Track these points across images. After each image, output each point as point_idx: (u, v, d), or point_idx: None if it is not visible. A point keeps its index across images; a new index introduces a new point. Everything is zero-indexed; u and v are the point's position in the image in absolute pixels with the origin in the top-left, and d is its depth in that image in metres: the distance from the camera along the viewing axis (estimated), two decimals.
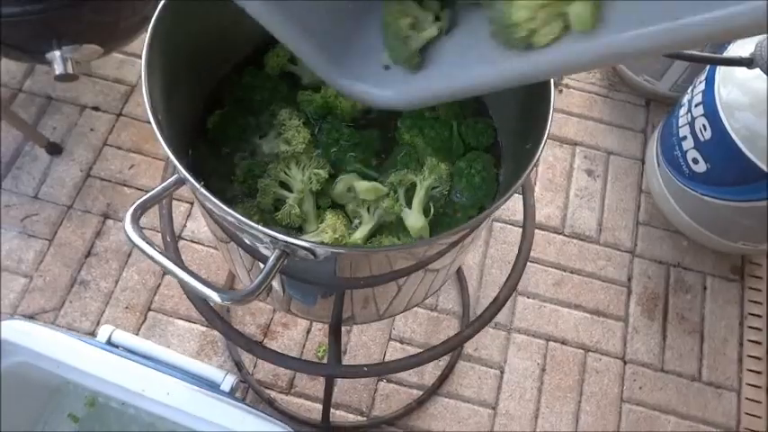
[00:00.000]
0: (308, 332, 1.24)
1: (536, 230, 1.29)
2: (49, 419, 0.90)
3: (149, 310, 1.24)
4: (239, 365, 1.20)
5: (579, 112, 1.51)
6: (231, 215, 0.51)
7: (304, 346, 1.23)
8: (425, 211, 0.66)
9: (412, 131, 0.70)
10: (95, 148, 1.37)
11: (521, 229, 0.83)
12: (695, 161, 1.18)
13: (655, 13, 0.37)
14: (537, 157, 0.56)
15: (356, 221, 0.66)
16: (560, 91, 1.53)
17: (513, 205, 1.36)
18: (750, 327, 1.31)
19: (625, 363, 1.26)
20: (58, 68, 1.01)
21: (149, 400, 0.76)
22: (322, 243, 0.61)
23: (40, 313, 1.22)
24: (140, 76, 0.62)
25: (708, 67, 1.17)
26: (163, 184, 0.55)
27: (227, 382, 0.81)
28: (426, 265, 0.64)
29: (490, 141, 0.72)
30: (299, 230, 0.65)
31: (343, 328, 0.81)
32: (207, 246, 1.30)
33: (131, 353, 0.82)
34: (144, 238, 0.51)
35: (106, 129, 1.40)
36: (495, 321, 1.27)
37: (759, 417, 1.23)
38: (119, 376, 0.77)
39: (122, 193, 1.34)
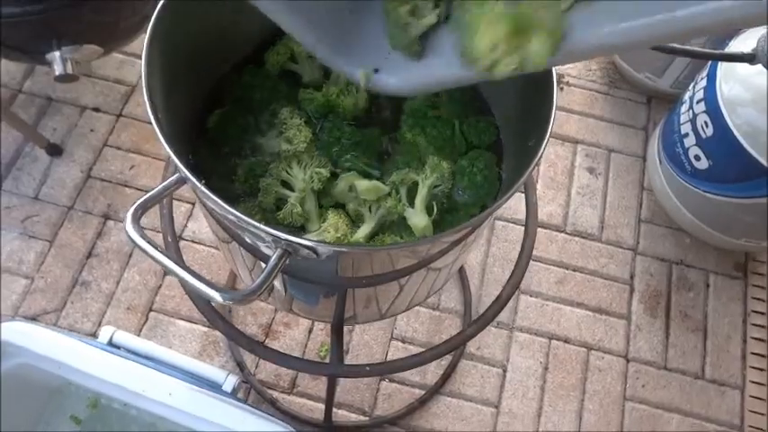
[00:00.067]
0: (310, 332, 1.24)
1: (538, 228, 1.29)
2: (51, 421, 0.90)
3: (151, 310, 1.24)
4: (241, 366, 1.19)
5: (580, 109, 1.51)
6: (232, 214, 0.50)
7: (306, 345, 1.23)
8: (428, 210, 0.66)
9: (414, 130, 0.70)
10: (96, 149, 1.37)
11: (522, 228, 0.82)
12: (697, 158, 1.18)
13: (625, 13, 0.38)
14: (540, 154, 0.55)
15: (358, 221, 0.66)
16: (561, 89, 1.52)
17: (514, 204, 1.35)
18: (753, 324, 1.31)
19: (628, 361, 1.26)
20: (58, 69, 1.01)
21: (151, 400, 0.76)
22: (324, 242, 0.61)
23: (41, 314, 1.22)
24: (140, 76, 0.62)
25: (709, 63, 1.17)
26: (163, 184, 0.55)
27: (229, 382, 0.81)
28: (428, 263, 0.63)
29: (492, 140, 0.72)
30: (301, 230, 0.65)
31: (345, 328, 0.81)
32: (208, 246, 1.30)
33: (133, 354, 0.81)
34: (145, 238, 0.51)
35: (106, 129, 1.39)
36: (498, 320, 1.26)
37: (762, 414, 1.23)
38: (120, 377, 0.76)
39: (123, 193, 1.33)
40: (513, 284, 0.78)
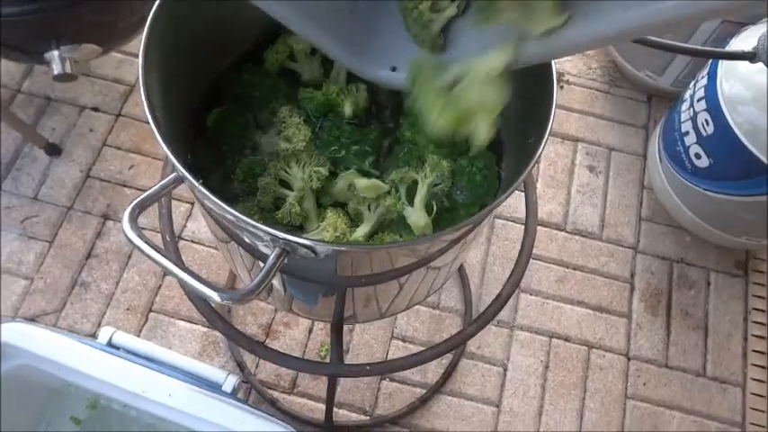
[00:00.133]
0: (310, 331, 1.23)
1: (538, 227, 1.29)
2: (51, 422, 0.90)
3: (150, 311, 1.23)
4: (241, 366, 1.19)
5: (580, 108, 1.50)
6: (231, 213, 0.50)
7: (306, 345, 1.22)
8: (428, 209, 0.66)
9: (413, 129, 0.70)
10: (95, 149, 1.37)
11: (522, 226, 0.82)
12: (698, 156, 1.18)
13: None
14: (539, 152, 0.55)
15: (358, 220, 0.66)
16: (561, 87, 1.52)
17: (514, 202, 1.35)
18: (754, 322, 1.30)
19: (629, 359, 1.26)
20: (57, 68, 1.01)
21: (151, 401, 0.75)
22: (322, 241, 0.61)
23: (40, 315, 1.22)
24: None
25: (710, 61, 1.17)
26: (161, 182, 0.54)
27: (229, 382, 0.80)
28: (428, 262, 0.63)
29: (491, 139, 0.72)
30: (299, 229, 0.65)
31: (345, 327, 0.81)
32: (207, 246, 1.30)
33: (133, 354, 0.81)
34: (142, 238, 0.50)
35: (105, 129, 1.39)
36: (498, 319, 1.26)
37: (763, 411, 1.22)
38: (120, 378, 0.76)
39: (122, 193, 1.33)
40: (514, 283, 0.78)
